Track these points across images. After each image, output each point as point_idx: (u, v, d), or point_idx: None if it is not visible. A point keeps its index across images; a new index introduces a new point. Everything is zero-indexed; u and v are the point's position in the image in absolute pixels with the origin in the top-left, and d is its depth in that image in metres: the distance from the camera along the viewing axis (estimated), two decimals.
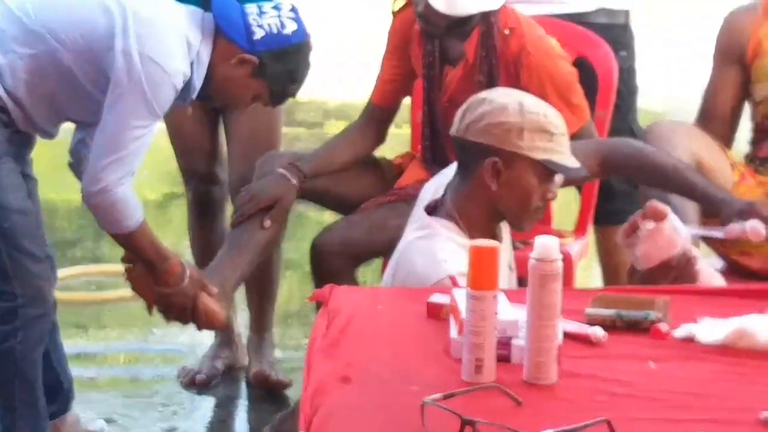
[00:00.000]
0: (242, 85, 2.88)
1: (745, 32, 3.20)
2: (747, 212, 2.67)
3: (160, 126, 3.58)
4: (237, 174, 3.49)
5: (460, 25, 3.08)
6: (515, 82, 3.01)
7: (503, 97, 2.59)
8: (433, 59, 3.20)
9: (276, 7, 2.86)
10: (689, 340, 2.04)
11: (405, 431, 1.62)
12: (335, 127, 7.83)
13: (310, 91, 10.00)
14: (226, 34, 2.82)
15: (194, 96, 2.87)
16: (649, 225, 2.38)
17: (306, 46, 2.90)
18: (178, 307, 2.94)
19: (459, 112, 2.62)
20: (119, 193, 2.71)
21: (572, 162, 2.58)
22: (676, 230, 2.39)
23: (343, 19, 10.38)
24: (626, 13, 3.69)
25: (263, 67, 2.83)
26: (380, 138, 3.40)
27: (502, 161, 2.52)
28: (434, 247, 2.56)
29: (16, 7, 2.74)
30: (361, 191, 3.27)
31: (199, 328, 3.07)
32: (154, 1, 2.85)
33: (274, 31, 2.82)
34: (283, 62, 2.85)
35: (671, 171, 2.83)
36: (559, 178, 2.65)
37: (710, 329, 2.04)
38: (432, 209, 2.68)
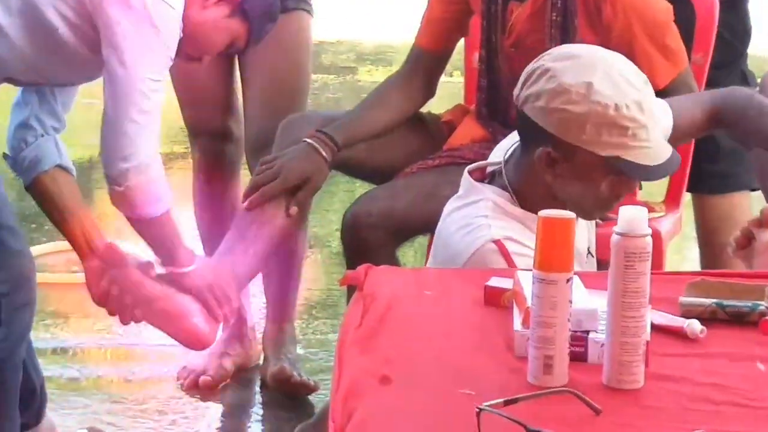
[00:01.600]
0: (220, 28, 2.99)
1: None
2: None
3: None
4: (255, 129, 3.54)
5: None
6: (597, 22, 3.02)
7: (569, 74, 2.51)
8: None
9: None
10: None
11: None
12: (370, 75, 7.87)
13: (340, 29, 10.08)
14: None
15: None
16: (767, 235, 2.39)
17: None
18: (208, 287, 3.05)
19: (523, 75, 2.58)
20: (159, 168, 2.87)
21: (655, 156, 2.54)
22: None
23: None
24: None
25: (244, 5, 2.97)
26: (430, 91, 3.41)
27: (558, 153, 2.52)
28: (476, 212, 2.58)
29: None
30: (404, 156, 3.29)
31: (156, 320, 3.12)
32: None
33: None
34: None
35: None
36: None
37: None
38: (483, 177, 2.68)
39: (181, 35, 2.92)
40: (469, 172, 2.67)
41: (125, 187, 2.83)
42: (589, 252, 2.71)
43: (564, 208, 2.51)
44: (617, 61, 2.54)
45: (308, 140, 3.20)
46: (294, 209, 3.22)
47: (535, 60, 2.57)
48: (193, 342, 3.13)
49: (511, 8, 3.18)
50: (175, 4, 2.85)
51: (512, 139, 2.70)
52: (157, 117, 2.88)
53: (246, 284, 3.31)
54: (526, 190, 2.59)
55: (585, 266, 2.64)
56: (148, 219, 2.90)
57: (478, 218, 2.56)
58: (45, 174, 3.04)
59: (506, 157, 2.65)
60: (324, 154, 3.21)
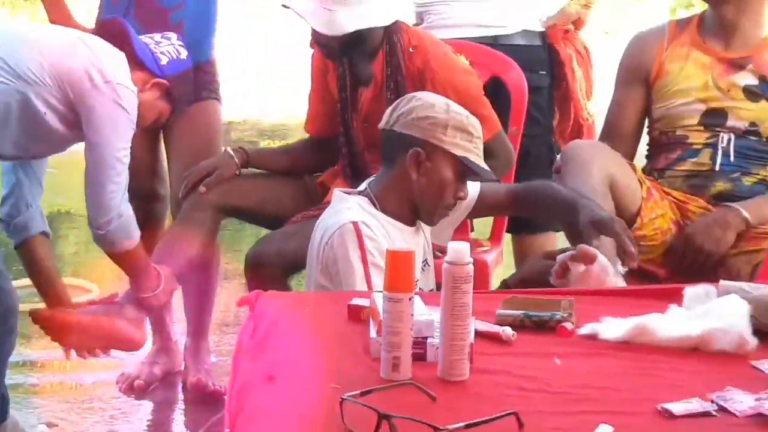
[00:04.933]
0: (150, 107, 2.99)
1: (651, 54, 3.24)
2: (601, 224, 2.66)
3: None
4: (177, 189, 3.47)
5: (357, 45, 3.09)
6: None
7: (432, 97, 2.69)
8: (345, 82, 3.20)
9: (165, 37, 3.04)
10: (592, 338, 2.05)
11: (326, 427, 1.61)
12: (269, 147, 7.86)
13: (244, 111, 10.02)
14: (144, 64, 2.97)
15: None
16: (580, 268, 2.45)
17: (191, 69, 3.08)
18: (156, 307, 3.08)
19: (389, 109, 2.70)
20: (130, 213, 2.88)
21: (485, 167, 2.65)
22: (605, 270, 2.45)
23: (271, 42, 10.40)
24: (543, 34, 3.71)
25: (171, 88, 3.00)
26: (324, 161, 3.38)
27: (425, 152, 2.59)
28: (344, 210, 2.63)
29: None
30: (290, 208, 3.26)
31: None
32: (102, 45, 2.96)
33: (174, 57, 2.99)
34: (184, 83, 3.02)
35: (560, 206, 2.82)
36: (473, 188, 2.70)
37: (612, 327, 2.06)
38: None
39: None
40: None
41: (106, 231, 2.87)
42: (426, 263, 2.73)
43: (414, 211, 2.61)
44: None
45: (226, 149, 3.31)
46: (203, 188, 3.22)
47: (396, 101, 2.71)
48: (131, 347, 3.16)
49: (360, 92, 3.19)
50: (133, 87, 2.89)
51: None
52: (127, 175, 2.91)
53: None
54: (384, 197, 2.66)
55: (423, 273, 2.71)
56: (123, 252, 2.92)
57: (344, 209, 2.63)
58: (32, 238, 3.09)
59: (369, 181, 2.73)
60: (233, 154, 3.27)
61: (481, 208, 2.90)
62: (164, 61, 2.95)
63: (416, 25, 3.64)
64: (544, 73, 3.70)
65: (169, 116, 3.11)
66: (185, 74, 3.01)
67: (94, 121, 2.82)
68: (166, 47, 2.98)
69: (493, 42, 3.60)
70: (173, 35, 3.05)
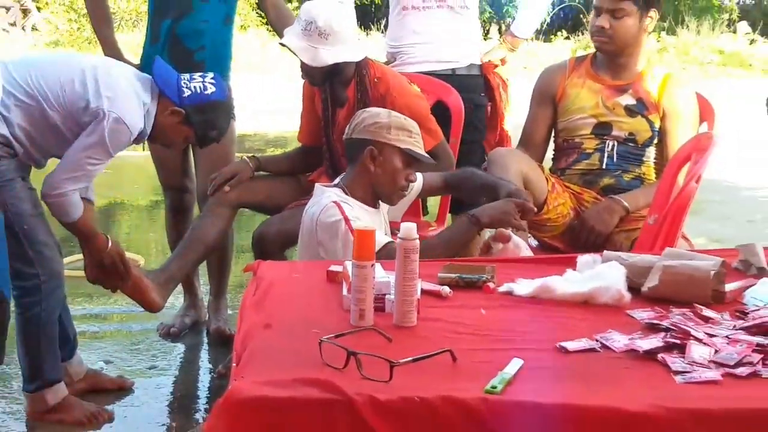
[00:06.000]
0: (175, 130, 2.86)
1: (556, 82, 3.24)
2: (513, 194, 2.69)
3: (147, 153, 3.55)
4: (202, 185, 3.44)
5: (335, 75, 3.07)
6: None
7: (376, 110, 2.73)
8: (327, 104, 3.18)
9: (202, 75, 2.89)
10: (509, 294, 2.05)
11: (309, 362, 1.60)
12: (273, 153, 7.82)
13: (255, 125, 9.98)
14: (164, 93, 2.83)
15: (146, 139, 2.86)
16: (499, 246, 2.50)
17: (220, 103, 2.88)
18: (111, 267, 2.84)
19: (348, 124, 2.71)
20: (72, 197, 2.68)
21: (425, 155, 2.68)
22: (517, 246, 2.48)
23: (275, 76, 10.35)
24: (481, 67, 3.70)
25: (188, 117, 2.83)
26: (313, 164, 3.33)
27: (376, 149, 2.60)
28: (322, 196, 2.62)
29: (18, 74, 2.68)
30: (288, 200, 3.23)
31: (129, 292, 2.94)
32: (119, 68, 2.85)
33: (198, 91, 2.83)
34: (202, 113, 2.84)
35: (485, 187, 2.83)
36: (419, 178, 2.73)
37: (524, 286, 2.06)
38: None
39: (151, 132, 2.83)
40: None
41: (48, 204, 2.68)
42: (386, 234, 2.72)
43: (375, 196, 2.62)
44: None
45: (242, 155, 3.28)
46: (227, 188, 3.18)
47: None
48: (149, 308, 3.01)
49: (337, 112, 3.18)
50: (132, 125, 2.70)
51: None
52: (88, 177, 2.71)
53: (173, 283, 3.13)
54: (353, 187, 2.67)
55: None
56: (66, 222, 2.72)
57: (326, 197, 2.61)
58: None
59: (340, 177, 2.74)
60: (248, 160, 3.24)
61: (424, 191, 2.92)
62: (186, 93, 2.82)
63: (388, 62, 3.63)
64: (483, 95, 3.70)
65: (195, 141, 2.93)
66: (204, 105, 2.83)
67: (82, 141, 2.66)
68: (196, 83, 2.85)
69: (451, 73, 3.59)
70: (210, 74, 2.90)
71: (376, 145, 2.61)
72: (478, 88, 3.67)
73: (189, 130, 2.86)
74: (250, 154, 3.35)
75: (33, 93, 2.66)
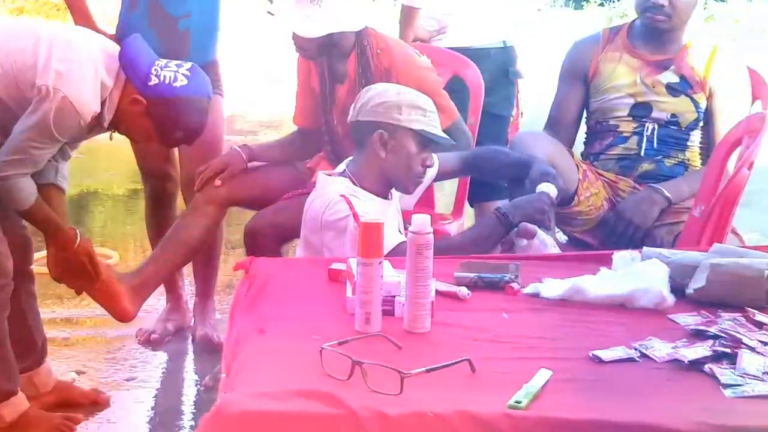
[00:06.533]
0: (135, 122, 2.77)
1: (588, 57, 3.24)
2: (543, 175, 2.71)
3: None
4: (187, 171, 3.43)
5: (332, 47, 3.07)
6: None
7: (382, 86, 2.71)
8: (324, 80, 3.18)
9: (179, 65, 2.78)
10: (535, 296, 2.06)
11: (308, 372, 1.60)
12: (266, 136, 7.82)
13: (246, 105, 9.95)
14: (127, 76, 2.74)
15: (105, 125, 2.78)
16: (523, 242, 2.50)
17: (188, 99, 2.77)
18: (77, 266, 2.83)
19: (352, 104, 2.69)
20: (18, 182, 2.63)
21: (443, 135, 2.66)
22: (543, 243, 2.50)
23: (266, 48, 10.37)
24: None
25: (150, 109, 2.74)
26: (311, 149, 3.32)
27: (387, 133, 2.59)
28: (332, 189, 2.61)
29: None
30: (285, 192, 3.21)
31: (98, 297, 2.95)
32: (83, 39, 2.77)
33: (166, 82, 2.73)
34: (166, 108, 2.74)
35: (513, 165, 2.85)
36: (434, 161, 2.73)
37: (551, 287, 2.06)
38: None
39: (112, 119, 2.76)
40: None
41: None
42: (399, 231, 2.72)
43: (387, 184, 2.60)
44: None
45: (233, 146, 3.25)
46: (218, 182, 3.18)
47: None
48: (120, 318, 3.02)
49: (337, 88, 3.17)
50: (82, 108, 2.63)
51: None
52: (33, 162, 2.64)
53: (148, 289, 3.14)
54: (361, 175, 2.64)
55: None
56: (17, 210, 2.69)
57: (333, 189, 2.59)
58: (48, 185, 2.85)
59: (346, 163, 2.71)
60: (239, 150, 3.23)
61: (440, 175, 2.91)
62: (153, 82, 2.71)
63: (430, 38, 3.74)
64: (517, 69, 3.79)
65: (158, 139, 2.83)
66: (168, 99, 2.72)
67: (27, 115, 2.62)
68: (167, 72, 2.73)
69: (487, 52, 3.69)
70: (188, 65, 2.78)
71: (386, 128, 2.59)
72: (511, 64, 3.74)
73: (150, 125, 2.77)
74: (241, 143, 3.34)
75: None
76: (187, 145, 2.93)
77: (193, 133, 2.84)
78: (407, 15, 3.75)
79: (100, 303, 2.98)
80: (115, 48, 2.82)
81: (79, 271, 2.85)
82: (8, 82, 2.63)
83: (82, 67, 2.66)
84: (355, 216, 2.48)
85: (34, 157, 2.65)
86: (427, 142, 2.62)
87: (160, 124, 2.76)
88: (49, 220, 2.77)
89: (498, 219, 2.58)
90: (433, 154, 2.74)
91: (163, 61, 2.78)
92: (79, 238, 2.82)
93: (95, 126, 2.76)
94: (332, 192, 2.58)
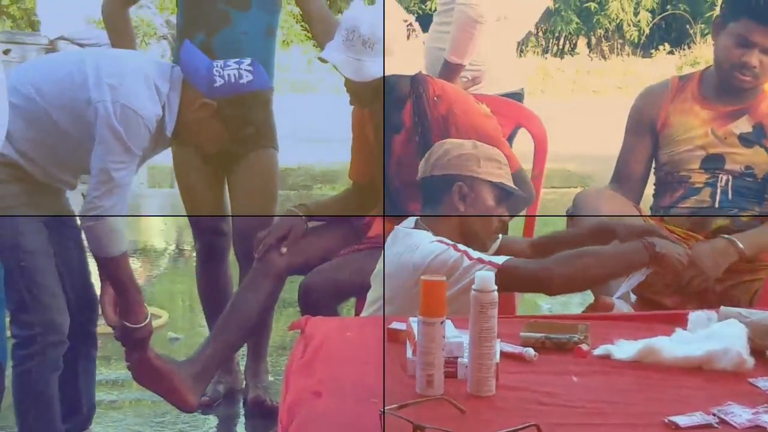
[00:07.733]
0: (204, 127, 2.81)
1: (657, 106, 3.23)
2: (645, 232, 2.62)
3: (171, 190, 3.59)
4: (239, 227, 3.46)
5: (386, 93, 3.07)
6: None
7: (458, 140, 2.73)
8: (379, 129, 3.18)
9: (238, 62, 2.84)
10: (606, 358, 2.04)
11: None
12: (320, 190, 7.89)
13: (299, 158, 10.03)
14: (192, 83, 2.78)
15: (168, 133, 2.80)
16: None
17: (258, 93, 2.84)
18: (137, 341, 2.82)
19: (422, 160, 2.71)
20: (111, 222, 2.64)
21: (519, 189, 2.70)
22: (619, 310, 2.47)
23: (321, 102, 10.51)
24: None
25: (220, 110, 2.79)
26: (368, 204, 3.33)
27: (466, 185, 2.61)
28: (418, 238, 2.56)
29: (16, 78, 2.71)
30: (339, 250, 3.23)
31: (160, 391, 2.96)
32: (131, 55, 2.86)
33: (232, 80, 2.79)
34: (237, 106, 2.80)
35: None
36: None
37: (624, 348, 2.05)
38: None
39: (175, 128, 2.79)
40: None
41: (86, 230, 2.66)
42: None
43: (464, 242, 2.57)
44: None
45: (289, 207, 3.26)
46: (284, 249, 3.17)
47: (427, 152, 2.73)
48: (182, 409, 3.03)
49: (393, 138, 3.17)
50: (144, 112, 2.68)
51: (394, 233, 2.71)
52: (121, 187, 2.66)
53: (236, 351, 3.16)
54: (439, 231, 2.61)
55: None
56: (104, 258, 2.68)
57: (424, 239, 2.54)
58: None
59: (415, 220, 2.68)
60: (299, 213, 3.23)
61: (501, 252, 2.83)
62: (218, 83, 2.77)
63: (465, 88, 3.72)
64: None
65: (229, 137, 2.88)
66: (239, 97, 2.79)
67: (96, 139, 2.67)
68: (230, 71, 2.79)
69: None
70: (248, 60, 2.84)
71: (465, 180, 2.61)
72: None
73: (221, 126, 2.82)
74: (298, 202, 3.31)
75: (32, 95, 2.66)
76: (254, 143, 2.95)
77: (263, 126, 2.90)
78: (451, 71, 3.71)
79: (162, 397, 2.98)
80: (162, 61, 2.88)
81: (134, 344, 2.82)
82: (69, 112, 2.66)
83: (132, 75, 2.70)
84: (466, 253, 2.44)
85: (118, 180, 2.64)
86: (503, 195, 2.64)
87: (231, 123, 2.82)
88: (133, 280, 2.75)
89: (643, 245, 2.47)
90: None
91: (220, 61, 2.84)
92: (148, 320, 2.79)
93: (159, 137, 2.78)
94: (427, 240, 2.53)
